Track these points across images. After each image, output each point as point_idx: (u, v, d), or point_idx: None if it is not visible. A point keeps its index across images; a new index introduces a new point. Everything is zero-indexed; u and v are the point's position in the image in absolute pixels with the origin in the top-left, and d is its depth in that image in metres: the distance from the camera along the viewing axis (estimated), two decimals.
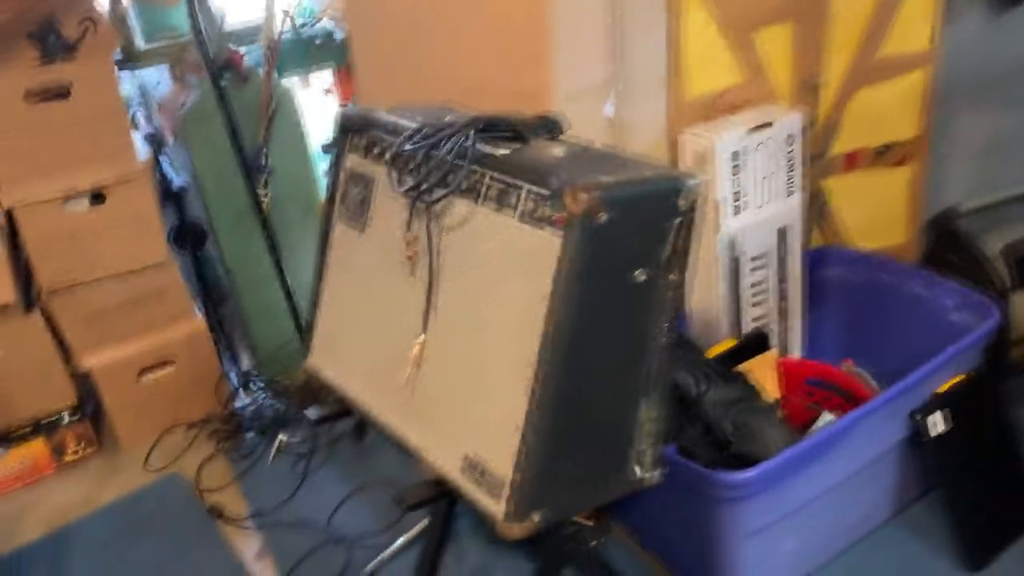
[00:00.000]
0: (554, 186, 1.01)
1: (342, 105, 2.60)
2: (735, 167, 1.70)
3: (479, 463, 1.11)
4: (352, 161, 1.35)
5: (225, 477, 2.21)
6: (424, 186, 1.15)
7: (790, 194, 1.82)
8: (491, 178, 1.11)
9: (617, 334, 1.07)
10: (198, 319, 2.38)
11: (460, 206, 1.15)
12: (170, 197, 2.33)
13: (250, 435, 2.34)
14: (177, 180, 2.36)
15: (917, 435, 1.65)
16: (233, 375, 2.53)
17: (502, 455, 1.06)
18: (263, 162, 2.27)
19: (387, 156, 1.28)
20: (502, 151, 1.13)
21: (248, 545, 1.98)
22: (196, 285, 2.48)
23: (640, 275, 1.04)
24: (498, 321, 1.09)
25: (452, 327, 1.16)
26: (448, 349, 1.17)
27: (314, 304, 1.43)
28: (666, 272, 1.07)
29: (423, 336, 1.20)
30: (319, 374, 1.43)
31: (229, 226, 2.36)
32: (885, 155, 1.99)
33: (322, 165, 2.68)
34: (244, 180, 2.25)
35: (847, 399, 1.75)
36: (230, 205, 2.32)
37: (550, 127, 1.22)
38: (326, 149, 1.87)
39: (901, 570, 1.73)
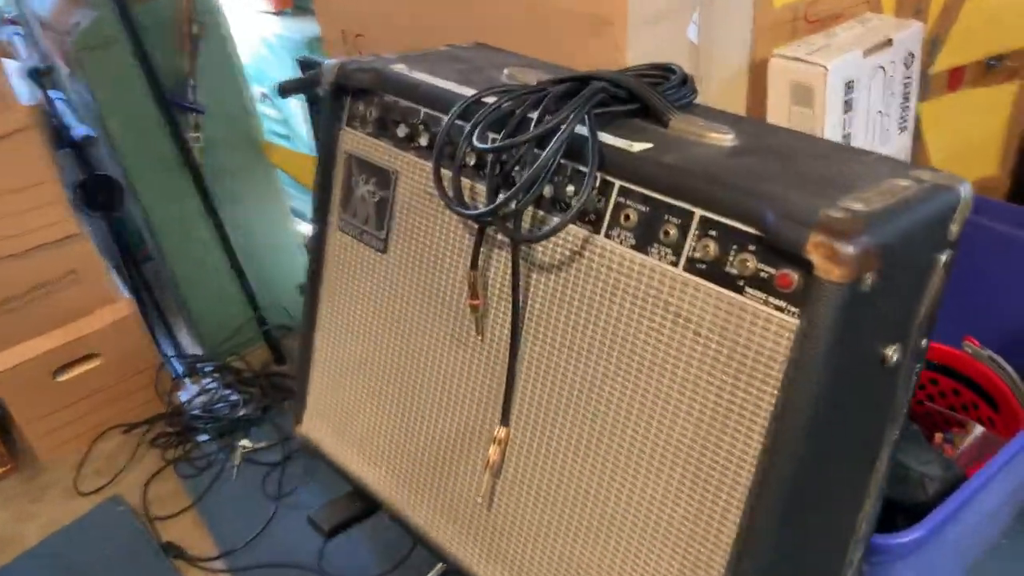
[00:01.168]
0: (770, 221, 0.57)
1: (275, 13, 2.05)
2: (847, 102, 1.27)
3: None
4: (355, 142, 0.88)
5: (179, 499, 1.77)
6: (514, 207, 0.69)
7: (902, 131, 1.41)
8: (624, 193, 0.67)
9: (854, 439, 0.66)
10: (122, 299, 1.90)
11: (567, 234, 0.71)
12: (72, 149, 1.78)
13: (204, 440, 1.90)
14: (79, 127, 1.81)
15: None
16: (175, 362, 2.06)
17: None
18: (190, 99, 1.74)
19: (419, 140, 0.81)
20: (635, 142, 0.68)
21: None
22: (116, 257, 1.97)
23: (893, 353, 0.62)
24: (652, 429, 0.67)
25: (556, 423, 0.74)
26: (550, 456, 0.75)
27: (305, 346, 0.98)
28: (919, 338, 0.66)
29: (502, 430, 0.77)
30: (318, 448, 0.99)
31: (151, 180, 1.85)
32: (995, 69, 1.58)
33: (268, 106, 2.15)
34: (167, 123, 1.73)
35: (978, 393, 1.40)
36: (150, 154, 1.81)
37: (681, 89, 0.77)
38: (285, 91, 1.36)
39: None
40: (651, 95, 0.72)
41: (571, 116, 0.66)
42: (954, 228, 0.64)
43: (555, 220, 0.70)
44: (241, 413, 1.93)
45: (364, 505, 0.95)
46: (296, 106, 2.25)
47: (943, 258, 0.65)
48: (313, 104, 1.47)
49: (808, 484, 0.62)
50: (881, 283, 0.57)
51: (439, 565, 1.52)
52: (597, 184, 0.67)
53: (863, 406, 0.64)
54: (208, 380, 2.04)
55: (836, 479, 0.66)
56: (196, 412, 1.95)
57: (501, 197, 0.69)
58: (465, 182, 0.76)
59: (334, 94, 0.88)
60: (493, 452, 0.77)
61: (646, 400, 0.67)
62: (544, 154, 0.66)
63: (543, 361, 0.74)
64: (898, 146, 1.42)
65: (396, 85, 0.83)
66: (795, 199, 0.59)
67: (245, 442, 1.86)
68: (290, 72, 2.18)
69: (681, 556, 0.66)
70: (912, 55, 1.34)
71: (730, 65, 1.26)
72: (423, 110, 0.81)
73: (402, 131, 0.82)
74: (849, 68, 1.25)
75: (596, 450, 0.71)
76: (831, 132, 1.29)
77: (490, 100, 0.75)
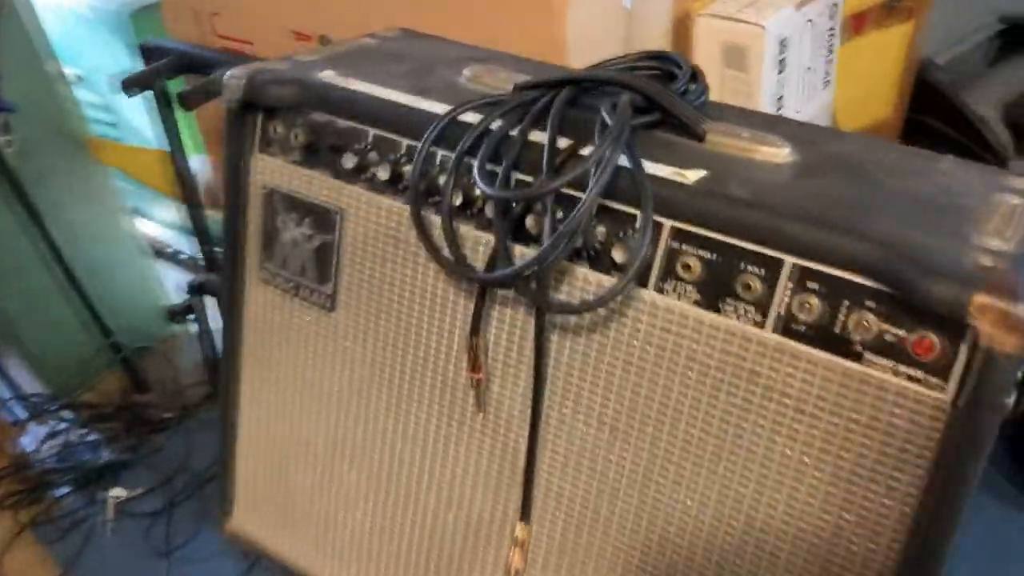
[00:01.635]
0: (906, 275, 0.45)
1: None
2: (781, 62, 1.18)
3: None
4: (276, 172, 0.68)
5: (43, 570, 1.51)
6: (542, 268, 0.53)
7: (826, 85, 1.34)
8: (680, 237, 0.52)
9: (967, 500, 0.56)
10: None
11: (601, 287, 0.56)
12: None
13: (64, 494, 1.63)
14: None
15: None
16: (14, 405, 1.75)
17: None
18: None
19: (374, 172, 0.63)
20: (685, 170, 0.53)
21: None
22: None
23: (1009, 402, 0.52)
24: (731, 526, 0.54)
25: (593, 520, 0.60)
26: (589, 562, 0.61)
27: (227, 427, 0.79)
28: None
29: (523, 528, 0.62)
30: (259, 546, 0.81)
31: None
32: (895, 8, 1.54)
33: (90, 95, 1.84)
34: None
35: None
36: None
37: (696, 87, 0.63)
38: (129, 86, 1.12)
39: (997, 536, 1.45)
40: (677, 103, 0.58)
41: (610, 146, 0.51)
42: None
43: (584, 273, 0.55)
44: (105, 457, 1.66)
45: None
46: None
47: None
48: (160, 98, 1.22)
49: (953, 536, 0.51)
50: None
51: None
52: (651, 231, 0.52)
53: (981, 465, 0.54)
54: (57, 422, 1.75)
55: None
56: (49, 462, 1.66)
57: (525, 254, 0.53)
58: (468, 236, 0.59)
59: (239, 112, 0.68)
60: (516, 557, 0.62)
61: (731, 495, 0.54)
62: (584, 201, 0.50)
63: (574, 444, 0.59)
64: (823, 102, 1.35)
65: (330, 101, 0.64)
66: (924, 240, 0.47)
67: (117, 491, 1.60)
68: (109, 51, 1.86)
69: None
70: (836, 4, 1.26)
71: (653, 30, 1.14)
72: (372, 132, 0.63)
73: (348, 160, 0.63)
74: (784, 25, 1.15)
75: (660, 554, 0.57)
76: (766, 97, 1.19)
77: (471, 118, 0.58)
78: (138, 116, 1.95)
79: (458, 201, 0.58)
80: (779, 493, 0.52)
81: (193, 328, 1.96)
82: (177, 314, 1.34)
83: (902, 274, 0.45)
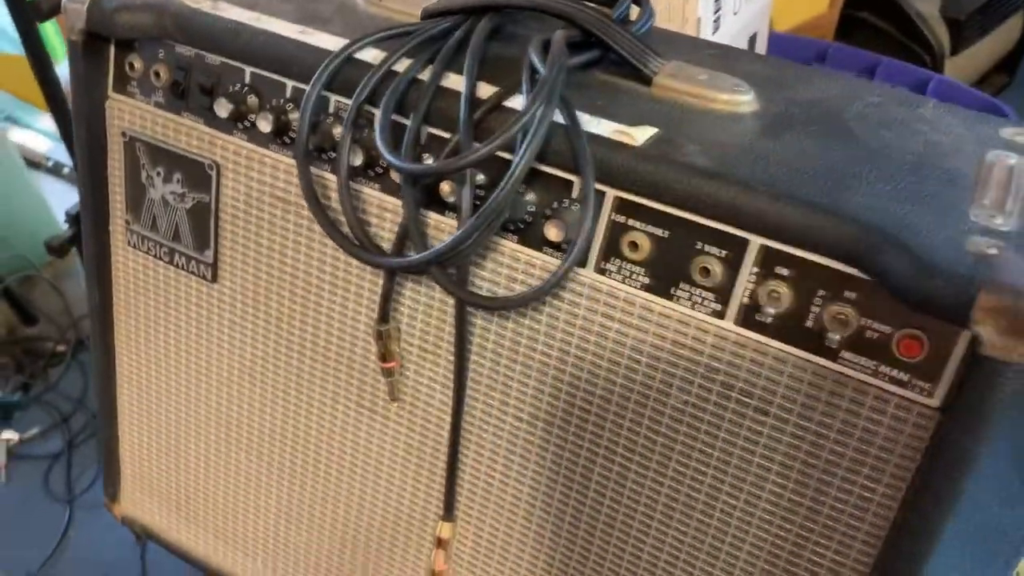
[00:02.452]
0: (896, 268, 0.38)
1: None
2: None
3: None
4: (136, 117, 0.57)
5: None
6: (462, 253, 0.44)
7: None
8: (626, 209, 0.44)
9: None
10: None
11: (532, 265, 0.47)
12: None
13: None
14: None
15: None
16: None
17: None
18: None
19: (253, 120, 0.52)
20: (631, 126, 0.44)
21: None
22: None
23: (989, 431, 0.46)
24: (679, 529, 0.48)
25: (529, 524, 0.53)
26: (523, 567, 0.54)
27: (105, 400, 0.69)
28: None
29: (446, 527, 0.55)
30: (153, 533, 0.72)
31: None
32: None
33: None
34: None
35: None
36: None
37: (638, 11, 0.53)
38: None
39: None
40: (621, 37, 0.48)
41: (543, 104, 0.41)
42: None
43: (511, 248, 0.46)
44: None
45: None
46: None
47: None
48: (15, 4, 1.05)
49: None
50: None
51: None
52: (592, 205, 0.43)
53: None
54: None
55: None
56: None
57: (440, 242, 0.44)
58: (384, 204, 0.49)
59: (86, 45, 0.55)
60: (438, 560, 0.55)
61: (680, 503, 0.47)
62: (511, 175, 0.41)
63: (500, 440, 0.52)
64: (761, 5, 1.25)
65: (195, 31, 0.52)
66: (914, 219, 0.39)
67: (8, 433, 1.49)
68: None
69: None
70: None
71: None
72: (249, 70, 0.51)
73: (222, 107, 0.52)
74: None
75: (599, 564, 0.51)
76: (703, 5, 1.09)
77: (370, 56, 0.48)
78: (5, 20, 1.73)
79: (357, 160, 0.48)
80: (736, 500, 0.46)
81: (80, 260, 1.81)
82: (57, 247, 1.20)
83: (889, 263, 0.38)
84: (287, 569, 0.65)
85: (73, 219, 1.22)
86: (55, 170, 1.97)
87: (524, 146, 0.41)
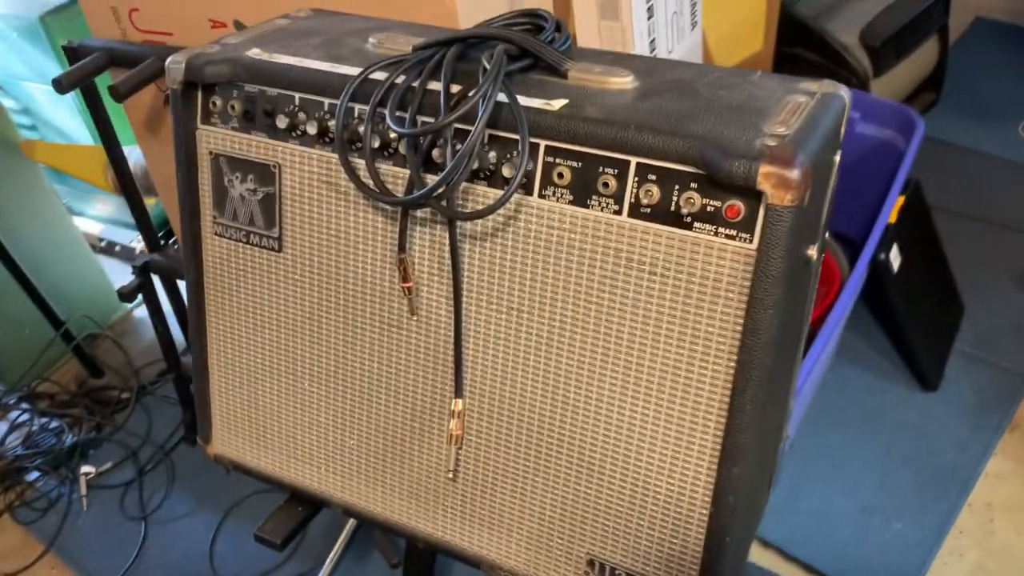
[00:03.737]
0: (714, 160, 0.61)
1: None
2: (650, 9, 1.33)
3: (616, 565, 0.76)
4: (219, 139, 0.81)
5: (29, 549, 1.61)
6: (449, 187, 0.68)
7: (693, 27, 1.50)
8: (553, 153, 0.68)
9: (792, 334, 0.73)
10: None
11: (493, 196, 0.71)
12: None
13: (36, 478, 1.72)
14: None
15: (878, 274, 1.52)
16: None
17: (668, 537, 0.73)
18: None
19: (304, 129, 0.76)
20: (551, 100, 0.68)
21: None
22: None
23: (813, 252, 0.70)
24: (623, 366, 0.71)
25: (515, 384, 0.75)
26: (515, 416, 0.76)
27: (200, 363, 0.92)
28: (823, 232, 0.74)
29: (458, 402, 0.77)
30: (239, 464, 0.94)
31: None
32: None
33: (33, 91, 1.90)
34: None
35: None
36: None
37: (560, 35, 0.78)
38: (64, 85, 1.21)
39: (869, 406, 1.67)
40: (545, 49, 0.73)
41: (490, 86, 0.66)
42: (843, 129, 0.71)
43: (483, 190, 0.70)
44: (70, 439, 1.76)
45: (308, 508, 0.92)
46: (38, 93, 2.01)
47: (837, 159, 0.72)
48: (88, 94, 1.32)
49: (771, 384, 0.68)
50: (811, 196, 0.63)
51: (339, 541, 1.52)
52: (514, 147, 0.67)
53: (797, 304, 0.71)
54: (17, 413, 1.83)
55: (783, 372, 0.73)
56: (17, 450, 1.76)
57: (434, 179, 0.68)
58: (387, 172, 0.73)
59: (183, 92, 0.80)
60: (454, 426, 0.78)
61: (612, 344, 0.70)
62: (475, 130, 0.65)
63: (490, 328, 0.74)
64: (691, 43, 1.51)
65: (261, 74, 0.77)
66: (728, 134, 0.63)
67: (87, 468, 1.72)
68: (21, 56, 1.93)
69: (667, 473, 0.72)
70: None
71: None
72: (298, 96, 0.76)
73: (281, 121, 0.76)
74: None
75: (565, 398, 0.73)
76: (639, 42, 1.35)
77: (379, 76, 0.72)
78: (59, 115, 2.02)
79: (376, 144, 0.72)
80: (646, 334, 0.68)
81: (138, 312, 2.06)
82: (128, 294, 1.45)
83: (711, 160, 0.61)
84: (344, 469, 0.87)
85: (140, 269, 1.46)
86: (106, 249, 2.24)
87: (481, 112, 0.65)
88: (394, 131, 0.69)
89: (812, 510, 1.51)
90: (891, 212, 1.49)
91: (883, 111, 1.61)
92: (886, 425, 1.63)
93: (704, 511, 0.71)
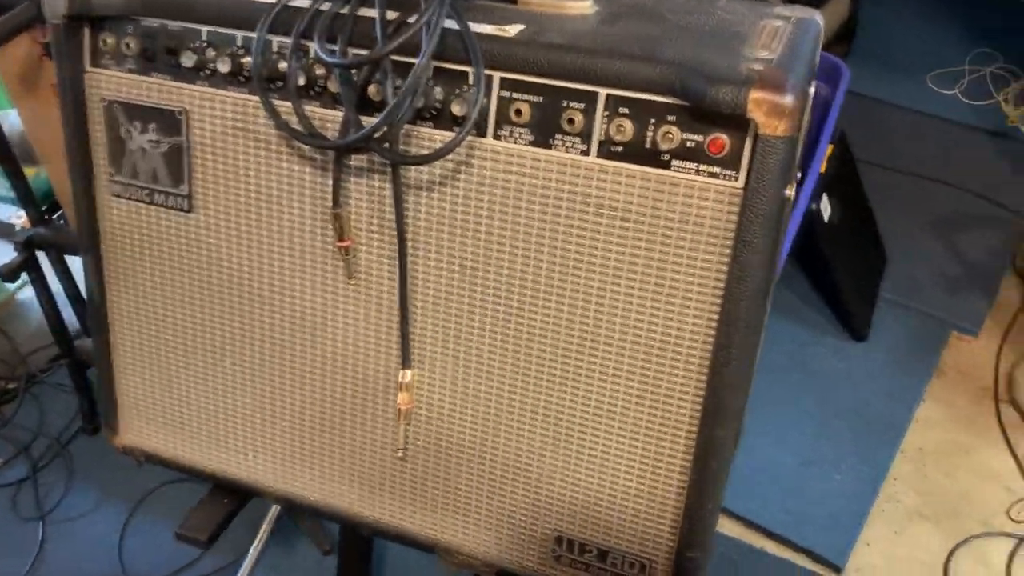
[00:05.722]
0: (697, 87, 0.54)
1: None
2: None
3: (586, 541, 0.70)
4: (113, 83, 0.70)
5: None
6: (391, 127, 0.59)
7: None
8: (510, 86, 0.59)
9: (769, 274, 0.67)
10: None
11: (440, 139, 0.62)
12: None
13: None
14: None
15: (809, 224, 1.50)
16: None
17: (644, 509, 0.67)
18: None
19: (214, 67, 0.66)
20: (505, 26, 0.60)
21: None
22: None
23: (790, 190, 0.64)
24: (595, 327, 0.64)
25: (471, 351, 0.67)
26: (471, 385, 0.69)
27: (101, 344, 0.80)
28: (796, 169, 0.69)
29: (406, 373, 0.69)
30: (153, 454, 0.84)
31: None
32: None
33: None
34: None
35: None
36: None
37: None
38: None
39: (801, 359, 1.67)
40: None
41: (435, 9, 0.57)
42: (817, 58, 0.65)
43: (428, 132, 0.62)
44: None
45: (235, 499, 0.83)
46: None
47: (812, 90, 0.66)
48: None
49: (755, 335, 0.62)
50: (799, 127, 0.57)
51: (263, 530, 1.41)
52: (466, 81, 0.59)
53: (775, 244, 0.65)
54: None
55: (760, 321, 0.67)
56: None
57: (373, 120, 0.59)
58: (316, 114, 0.63)
59: (66, 30, 0.68)
60: (403, 399, 0.69)
61: (581, 300, 0.63)
62: (420, 62, 0.56)
63: (441, 289, 0.66)
64: None
65: (160, 4, 0.66)
66: (708, 59, 0.56)
67: None
68: None
69: (643, 440, 0.65)
70: None
71: None
72: (205, 29, 0.66)
73: (188, 60, 0.66)
74: None
75: (531, 363, 0.66)
76: None
77: (302, 3, 0.62)
78: None
79: (301, 81, 0.63)
80: (618, 287, 0.61)
81: (23, 294, 1.88)
82: (12, 271, 1.30)
83: (691, 87, 0.55)
84: (275, 454, 0.78)
85: (23, 245, 1.31)
86: None
87: (427, 40, 0.56)
88: (325, 63, 0.59)
89: (753, 467, 1.49)
90: (822, 161, 1.47)
91: None
92: (820, 377, 1.63)
93: (683, 478, 0.66)
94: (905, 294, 1.75)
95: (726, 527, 1.44)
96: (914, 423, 1.57)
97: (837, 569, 1.37)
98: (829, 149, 1.54)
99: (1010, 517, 1.45)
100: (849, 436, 1.54)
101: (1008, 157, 2.14)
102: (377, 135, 0.59)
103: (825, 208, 1.47)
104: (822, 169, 1.48)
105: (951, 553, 1.40)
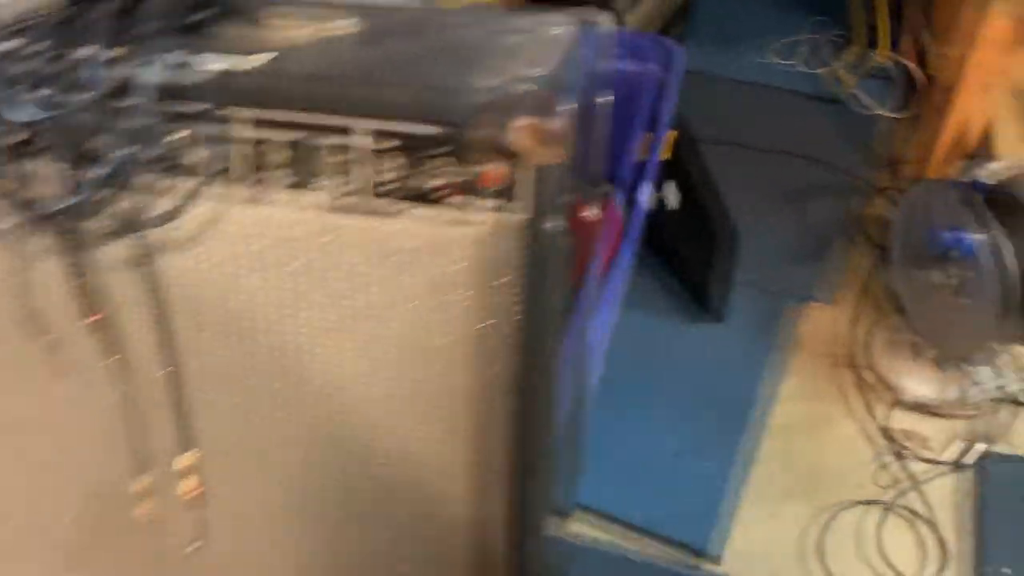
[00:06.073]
0: (454, 118, 0.48)
1: None
2: None
3: None
4: None
5: None
6: (120, 186, 0.50)
7: None
8: (257, 125, 0.52)
9: (557, 304, 0.61)
10: None
11: (182, 198, 0.54)
12: None
13: None
14: None
15: (656, 212, 1.47)
16: None
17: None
18: None
19: None
20: (245, 56, 0.52)
21: None
22: None
23: (585, 210, 0.59)
24: (388, 378, 0.57)
25: (259, 421, 0.60)
26: (265, 458, 0.61)
27: None
28: (595, 184, 0.64)
29: (187, 457, 0.61)
30: None
31: None
32: None
33: None
34: None
35: None
36: None
37: None
38: None
39: (662, 347, 1.65)
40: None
41: (159, 45, 0.48)
42: (605, 63, 0.60)
43: (170, 184, 0.53)
44: None
45: None
46: None
47: (604, 98, 0.61)
48: None
49: (552, 372, 0.57)
50: (577, 144, 0.51)
51: None
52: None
53: (560, 272, 0.59)
54: None
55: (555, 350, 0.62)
56: None
57: (96, 174, 0.50)
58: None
59: None
60: (188, 485, 0.61)
61: (365, 344, 0.56)
62: (139, 106, 0.48)
63: (217, 361, 0.58)
64: None
65: None
66: (469, 83, 0.50)
67: None
68: None
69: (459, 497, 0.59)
70: None
71: None
72: None
73: None
74: None
75: (326, 426, 0.59)
76: None
77: (8, 45, 0.53)
78: None
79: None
80: (405, 327, 0.55)
81: None
82: None
83: (453, 118, 0.48)
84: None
85: None
86: None
87: (151, 78, 0.48)
88: (20, 120, 0.50)
89: (622, 463, 1.46)
90: (661, 149, 1.44)
91: (641, 45, 1.55)
92: (683, 364, 1.61)
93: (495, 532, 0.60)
94: (757, 270, 1.76)
95: (598, 527, 1.40)
96: (779, 401, 1.57)
97: (715, 559, 1.36)
98: (672, 135, 1.52)
99: (877, 484, 1.46)
100: (717, 420, 1.53)
101: (846, 124, 2.18)
102: (100, 197, 0.50)
103: (669, 195, 1.45)
104: (664, 156, 1.45)
105: (825, 527, 1.41)
